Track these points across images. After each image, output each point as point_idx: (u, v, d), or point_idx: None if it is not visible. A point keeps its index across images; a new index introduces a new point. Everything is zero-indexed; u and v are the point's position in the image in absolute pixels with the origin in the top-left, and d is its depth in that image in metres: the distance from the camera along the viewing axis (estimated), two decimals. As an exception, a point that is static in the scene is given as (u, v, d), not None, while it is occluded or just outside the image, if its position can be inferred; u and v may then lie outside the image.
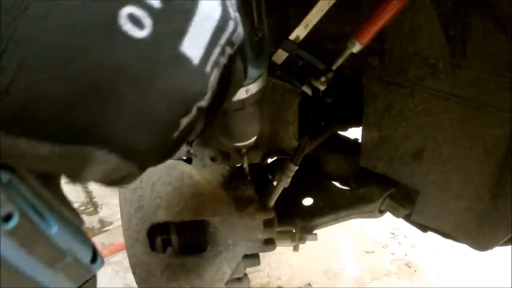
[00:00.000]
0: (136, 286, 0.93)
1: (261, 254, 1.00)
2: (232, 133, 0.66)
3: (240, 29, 0.32)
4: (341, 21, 0.78)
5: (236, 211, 0.90)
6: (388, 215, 1.11)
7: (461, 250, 1.97)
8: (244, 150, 0.83)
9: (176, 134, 0.30)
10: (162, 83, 0.27)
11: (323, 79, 0.73)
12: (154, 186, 0.85)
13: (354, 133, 1.15)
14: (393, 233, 2.25)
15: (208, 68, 0.29)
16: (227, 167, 0.96)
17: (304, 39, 0.70)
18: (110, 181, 0.31)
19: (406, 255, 2.10)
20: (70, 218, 0.33)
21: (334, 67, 0.72)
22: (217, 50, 0.29)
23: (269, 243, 0.97)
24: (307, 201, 1.16)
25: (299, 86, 0.79)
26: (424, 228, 1.00)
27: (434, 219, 0.90)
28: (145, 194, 0.85)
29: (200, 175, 0.88)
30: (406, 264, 2.04)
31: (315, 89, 0.78)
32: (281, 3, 0.80)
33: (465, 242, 0.88)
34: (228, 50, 0.31)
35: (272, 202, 0.94)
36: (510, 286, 1.79)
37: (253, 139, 0.70)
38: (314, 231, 1.11)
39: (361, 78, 0.85)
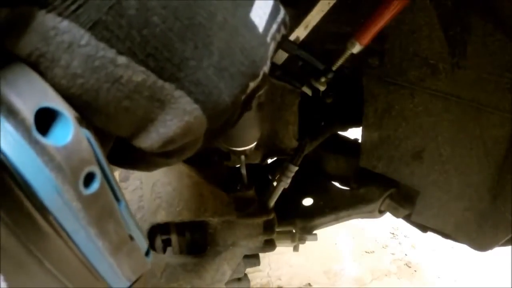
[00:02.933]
0: (136, 286, 0.93)
1: (261, 254, 1.00)
2: (234, 137, 0.66)
3: (288, 18, 0.34)
4: (341, 21, 0.78)
5: (236, 211, 0.90)
6: (388, 215, 1.11)
7: (461, 250, 1.98)
8: (242, 157, 0.82)
9: (243, 97, 0.30)
10: (240, 38, 0.28)
11: (323, 79, 0.73)
12: (154, 186, 0.85)
13: (354, 133, 1.15)
14: (393, 233, 2.25)
15: (268, 38, 0.31)
16: (227, 168, 0.96)
17: (304, 40, 0.70)
18: (165, 151, 0.28)
19: (406, 255, 2.10)
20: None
21: (334, 68, 0.72)
22: (275, 26, 0.31)
23: (269, 243, 0.97)
24: (307, 201, 1.16)
25: (299, 87, 0.79)
26: (424, 228, 1.00)
27: (434, 219, 0.90)
28: (145, 194, 0.85)
29: (200, 176, 0.88)
30: (406, 264, 2.04)
31: (315, 90, 0.78)
32: (281, 3, 0.79)
33: (465, 242, 0.88)
34: (283, 30, 0.33)
35: (272, 203, 0.94)
36: (510, 286, 1.79)
37: (253, 145, 0.70)
38: (314, 231, 1.11)
39: (361, 78, 0.85)
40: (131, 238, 0.28)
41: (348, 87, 1.01)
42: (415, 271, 2.00)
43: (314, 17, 0.66)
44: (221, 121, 0.30)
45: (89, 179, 0.22)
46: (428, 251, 2.11)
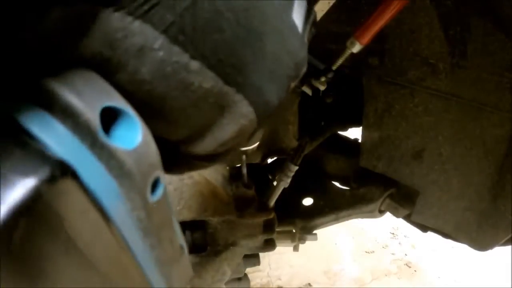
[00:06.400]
0: (136, 286, 0.93)
1: (261, 254, 1.00)
2: None
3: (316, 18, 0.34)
4: (341, 21, 0.78)
5: (236, 211, 0.90)
6: (388, 215, 1.11)
7: (461, 250, 1.97)
8: (244, 157, 0.82)
9: (284, 96, 0.30)
10: (287, 41, 0.28)
11: (323, 79, 0.73)
12: (154, 186, 0.85)
13: (354, 133, 1.15)
14: (393, 233, 2.25)
15: (305, 39, 0.31)
16: (227, 167, 0.95)
17: (304, 39, 0.70)
18: (210, 154, 0.27)
19: (406, 255, 2.10)
20: None
21: (334, 67, 0.72)
22: (308, 26, 0.31)
23: (269, 243, 0.97)
24: (307, 201, 1.16)
25: (299, 86, 0.79)
26: (424, 228, 1.00)
27: (434, 219, 0.90)
28: (145, 194, 0.85)
29: (200, 175, 0.88)
30: (406, 264, 2.04)
31: (315, 89, 0.78)
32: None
33: (465, 242, 0.88)
34: (313, 30, 0.33)
35: (272, 202, 0.94)
36: (510, 286, 1.79)
37: (255, 145, 0.70)
38: (314, 231, 1.11)
39: (361, 78, 0.85)
40: (181, 247, 0.27)
41: (348, 87, 1.01)
42: (415, 271, 2.00)
43: (314, 16, 0.66)
44: (266, 123, 0.31)
45: (155, 185, 0.21)
46: (428, 251, 2.11)
